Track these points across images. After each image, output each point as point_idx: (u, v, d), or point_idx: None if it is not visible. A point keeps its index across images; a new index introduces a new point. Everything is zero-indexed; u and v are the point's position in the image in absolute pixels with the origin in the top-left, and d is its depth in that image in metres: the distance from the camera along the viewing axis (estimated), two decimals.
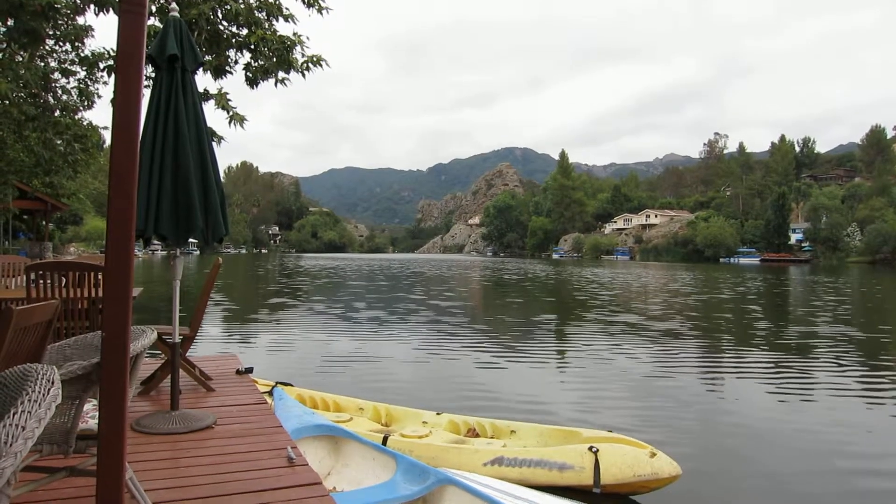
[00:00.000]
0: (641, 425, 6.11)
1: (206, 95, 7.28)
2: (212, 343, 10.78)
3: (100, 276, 4.54)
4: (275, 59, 7.27)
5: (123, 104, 1.68)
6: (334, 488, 3.67)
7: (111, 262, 1.65)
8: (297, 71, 7.37)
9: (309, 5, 7.46)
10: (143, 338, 2.25)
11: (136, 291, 7.81)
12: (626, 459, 4.30)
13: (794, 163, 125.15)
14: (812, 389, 7.88)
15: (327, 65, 7.47)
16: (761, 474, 4.96)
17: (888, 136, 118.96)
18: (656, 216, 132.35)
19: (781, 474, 4.93)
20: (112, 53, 7.86)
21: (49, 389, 1.38)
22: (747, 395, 7.63)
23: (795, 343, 11.98)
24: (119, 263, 1.66)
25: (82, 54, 8.82)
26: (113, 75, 7.43)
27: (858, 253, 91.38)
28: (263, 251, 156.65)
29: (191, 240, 3.79)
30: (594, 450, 4.35)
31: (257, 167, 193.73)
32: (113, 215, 1.64)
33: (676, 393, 7.64)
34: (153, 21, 6.77)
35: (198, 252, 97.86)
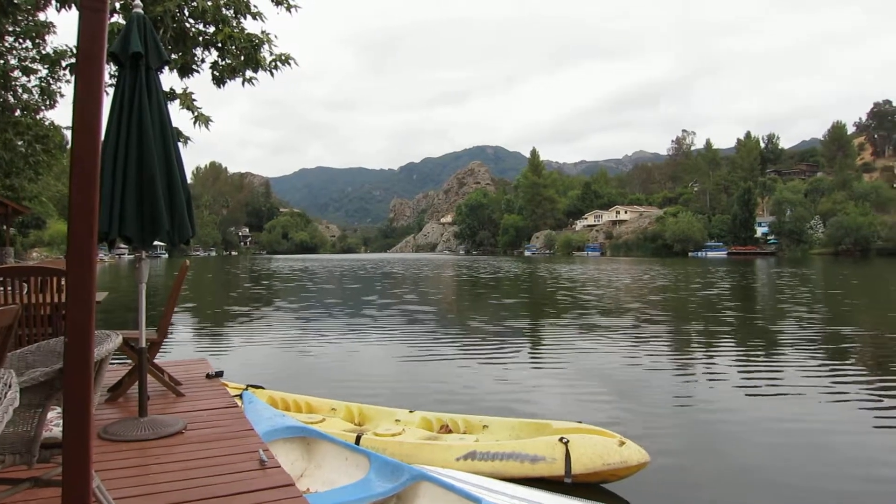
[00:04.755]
0: (612, 416, 6.18)
1: (172, 95, 7.18)
2: (181, 347, 10.63)
3: (63, 282, 4.44)
4: (242, 58, 7.19)
5: (85, 103, 1.65)
6: (308, 489, 3.65)
7: (73, 264, 1.62)
8: (266, 70, 7.31)
9: (277, 3, 7.40)
10: (108, 342, 2.21)
11: (101, 296, 7.66)
12: (595, 449, 4.36)
13: (759, 158, 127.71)
14: (780, 381, 8.03)
15: (296, 63, 7.42)
16: (728, 461, 5.06)
17: (849, 133, 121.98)
18: (626, 212, 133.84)
19: (747, 462, 5.03)
20: (74, 51, 7.70)
21: (6, 393, 1.35)
22: (716, 387, 7.77)
23: (763, 335, 12.22)
24: (81, 266, 1.62)
25: (44, 52, 8.63)
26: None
27: (821, 245, 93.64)
28: (233, 253, 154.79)
29: (158, 243, 3.73)
30: (565, 441, 4.40)
31: (226, 167, 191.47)
32: (75, 217, 1.60)
33: (647, 385, 7.74)
34: (117, 18, 6.64)
35: (166, 255, 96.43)
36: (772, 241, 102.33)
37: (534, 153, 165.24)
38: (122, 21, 6.39)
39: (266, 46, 7.13)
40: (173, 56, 6.90)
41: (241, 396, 4.98)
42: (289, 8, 7.38)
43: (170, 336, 11.94)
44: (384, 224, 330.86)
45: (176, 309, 4.96)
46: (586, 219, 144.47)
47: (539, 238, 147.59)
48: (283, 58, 7.21)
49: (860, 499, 4.32)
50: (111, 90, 3.80)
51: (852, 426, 6.09)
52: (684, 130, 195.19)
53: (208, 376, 5.06)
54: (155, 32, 3.83)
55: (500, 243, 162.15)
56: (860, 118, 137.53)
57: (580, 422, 4.99)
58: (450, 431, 5.20)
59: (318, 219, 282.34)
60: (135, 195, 3.55)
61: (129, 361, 4.68)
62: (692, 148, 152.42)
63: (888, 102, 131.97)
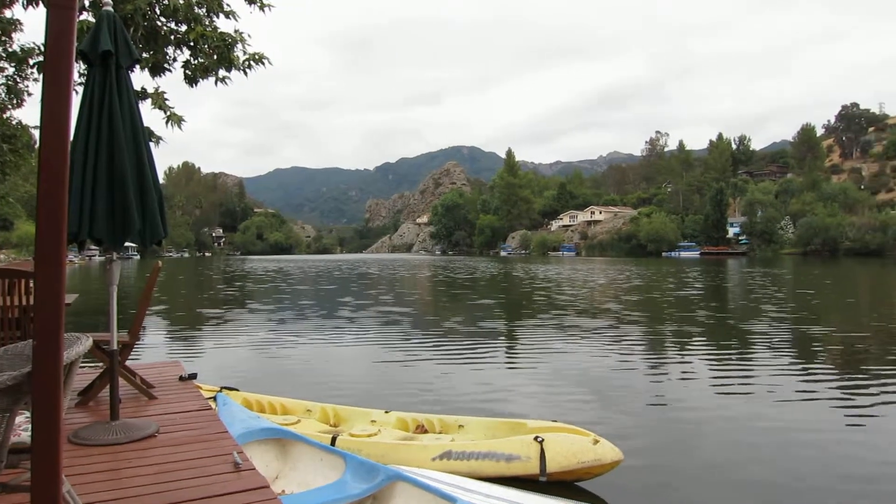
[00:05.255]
0: (587, 415, 6.23)
1: (144, 94, 7.08)
2: (154, 350, 10.49)
3: (31, 284, 4.36)
4: (215, 57, 7.12)
5: (53, 102, 1.62)
6: (283, 491, 3.63)
7: (41, 266, 1.60)
8: (239, 69, 7.24)
9: (251, 2, 7.34)
10: (78, 345, 2.18)
11: (70, 298, 7.54)
12: (570, 447, 4.40)
13: (730, 160, 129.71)
14: (751, 380, 8.16)
15: (269, 63, 7.36)
16: (700, 459, 5.14)
17: (818, 135, 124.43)
18: (601, 213, 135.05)
19: (719, 459, 5.12)
20: (42, 49, 7.56)
21: None
22: (689, 386, 7.88)
23: (736, 334, 12.42)
24: (50, 268, 1.60)
25: (10, 49, 8.46)
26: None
27: (791, 245, 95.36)
28: (207, 254, 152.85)
29: (129, 244, 3.68)
30: (539, 440, 4.43)
31: (199, 168, 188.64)
32: (43, 218, 1.58)
33: (621, 384, 7.82)
34: (86, 16, 6.54)
35: (138, 256, 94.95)
36: (743, 242, 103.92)
37: (509, 153, 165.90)
38: (91, 19, 6.29)
39: (239, 45, 7.07)
40: (144, 55, 6.81)
41: (214, 399, 4.93)
42: (262, 7, 7.32)
43: (142, 338, 11.79)
44: (360, 224, 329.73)
45: (148, 311, 4.90)
46: (561, 219, 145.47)
47: (515, 238, 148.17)
48: (256, 57, 7.15)
49: (830, 496, 4.40)
50: (80, 89, 3.73)
51: (822, 424, 6.20)
52: (658, 131, 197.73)
53: (181, 379, 5.00)
54: (125, 30, 3.78)
55: (475, 243, 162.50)
56: (829, 120, 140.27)
57: (555, 421, 5.03)
58: (425, 431, 5.20)
59: (293, 219, 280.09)
60: (105, 195, 3.50)
61: (100, 365, 4.61)
62: (665, 149, 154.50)
63: (856, 105, 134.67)
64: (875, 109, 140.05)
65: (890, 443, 5.56)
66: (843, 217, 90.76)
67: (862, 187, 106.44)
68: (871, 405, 6.78)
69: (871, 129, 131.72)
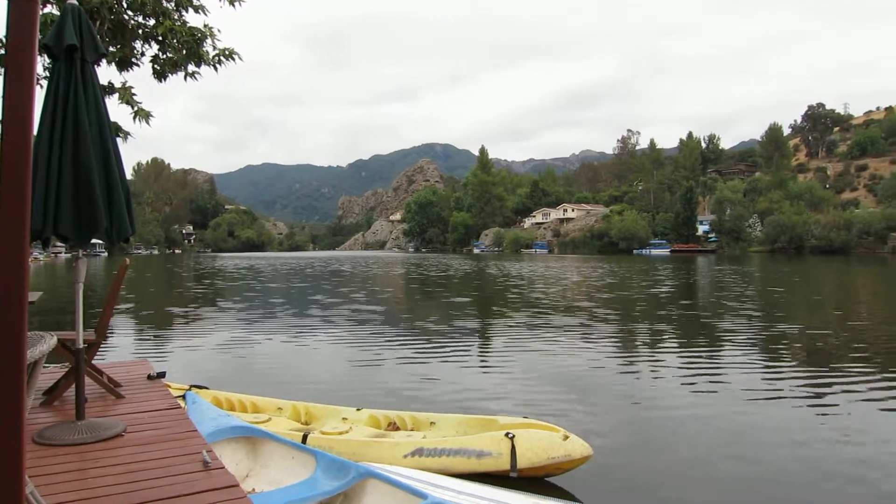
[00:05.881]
0: (558, 412, 6.29)
1: (111, 89, 6.96)
2: (121, 349, 10.32)
3: None
4: (184, 52, 7.01)
5: (15, 96, 1.60)
6: (253, 490, 3.61)
7: (4, 263, 1.57)
8: (209, 64, 7.15)
9: None
10: (42, 344, 2.15)
11: (35, 296, 7.39)
12: (540, 443, 4.44)
13: (700, 158, 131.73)
14: (721, 376, 8.31)
15: (240, 58, 7.28)
16: (668, 454, 5.22)
17: (784, 134, 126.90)
18: (573, 210, 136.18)
19: (687, 454, 5.21)
20: (3, 42, 7.39)
21: None
22: (659, 382, 7.99)
23: (707, 331, 12.62)
24: (12, 265, 1.58)
25: None
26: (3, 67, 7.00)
27: (759, 242, 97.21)
28: (177, 251, 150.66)
29: (97, 241, 3.63)
30: (510, 436, 4.46)
31: (169, 164, 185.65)
32: (5, 214, 1.56)
33: (593, 381, 7.91)
34: (50, 9, 6.40)
35: (106, 254, 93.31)
36: (712, 239, 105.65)
37: (483, 151, 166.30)
38: (56, 12, 6.17)
39: (209, 40, 6.98)
40: (111, 49, 6.68)
41: (184, 397, 4.88)
42: (232, 2, 7.24)
43: (109, 337, 11.61)
44: (333, 222, 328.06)
45: (116, 309, 4.83)
46: (534, 216, 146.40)
47: (488, 235, 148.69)
48: (226, 52, 7.07)
49: (798, 489, 4.49)
50: (45, 83, 3.67)
51: (791, 420, 6.30)
52: (629, 130, 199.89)
53: (150, 377, 4.94)
54: (91, 24, 3.72)
55: (449, 241, 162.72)
56: (795, 120, 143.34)
57: (526, 417, 5.08)
58: (397, 429, 5.21)
59: (265, 216, 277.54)
60: (70, 192, 3.45)
61: (67, 364, 4.53)
62: (637, 147, 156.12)
63: (821, 105, 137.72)
64: (840, 110, 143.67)
65: (857, 436, 5.69)
66: (808, 215, 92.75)
67: (827, 186, 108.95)
68: (839, 402, 6.92)
69: (836, 129, 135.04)
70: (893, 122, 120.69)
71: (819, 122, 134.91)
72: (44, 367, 3.58)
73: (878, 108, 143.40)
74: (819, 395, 7.20)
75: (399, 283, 31.70)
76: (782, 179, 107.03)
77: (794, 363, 9.24)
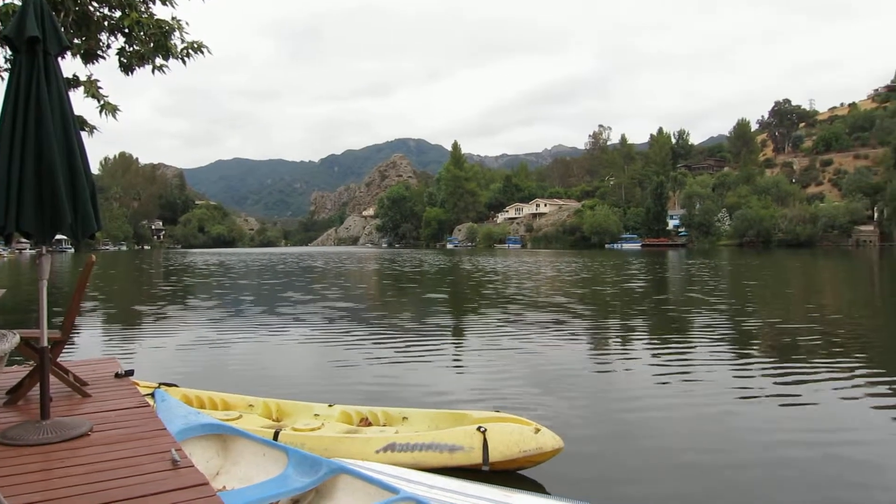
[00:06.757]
0: (530, 405, 6.34)
1: (76, 82, 6.84)
2: (88, 347, 10.14)
3: None
4: (152, 45, 6.92)
5: None
6: (223, 487, 3.58)
7: None
8: (177, 58, 7.06)
9: None
10: (3, 342, 2.11)
11: None
12: (512, 437, 4.48)
13: (670, 153, 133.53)
14: (692, 368, 8.42)
15: (209, 52, 7.19)
16: (640, 446, 5.29)
17: (752, 130, 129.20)
18: (546, 205, 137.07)
19: (658, 446, 5.29)
20: None
21: None
22: (631, 375, 8.10)
23: (678, 324, 12.82)
24: None
25: None
26: None
27: (728, 236, 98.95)
28: (146, 247, 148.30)
29: (62, 237, 3.58)
30: (482, 430, 4.49)
31: (137, 158, 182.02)
32: None
33: (564, 374, 7.98)
34: None
35: (72, 250, 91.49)
36: (682, 234, 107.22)
37: (455, 146, 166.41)
38: (17, 2, 6.03)
39: (177, 33, 6.89)
40: (76, 41, 6.57)
41: (153, 395, 4.81)
42: None
43: (76, 335, 11.42)
44: (305, 217, 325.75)
45: (82, 307, 4.75)
46: (507, 212, 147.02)
47: (461, 231, 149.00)
48: (195, 46, 6.99)
49: (768, 481, 4.56)
50: (6, 76, 3.59)
51: (761, 412, 6.38)
52: (601, 125, 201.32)
53: (117, 375, 4.87)
54: (54, 16, 3.65)
55: (422, 236, 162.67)
56: (763, 116, 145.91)
57: (498, 410, 5.11)
58: (370, 424, 5.21)
59: (237, 211, 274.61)
60: (33, 187, 3.38)
61: (32, 362, 4.45)
62: (608, 143, 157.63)
63: (788, 101, 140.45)
64: (806, 106, 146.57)
65: (823, 425, 5.84)
66: (775, 209, 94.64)
67: (793, 181, 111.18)
68: (808, 392, 7.08)
69: (801, 124, 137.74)
70: (857, 118, 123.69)
71: (786, 117, 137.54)
72: (7, 366, 3.51)
73: (842, 105, 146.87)
74: (786, 385, 7.36)
75: (372, 279, 31.62)
76: (750, 174, 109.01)
77: (765, 356, 9.40)
